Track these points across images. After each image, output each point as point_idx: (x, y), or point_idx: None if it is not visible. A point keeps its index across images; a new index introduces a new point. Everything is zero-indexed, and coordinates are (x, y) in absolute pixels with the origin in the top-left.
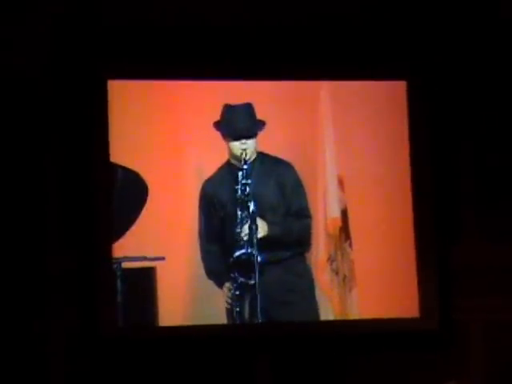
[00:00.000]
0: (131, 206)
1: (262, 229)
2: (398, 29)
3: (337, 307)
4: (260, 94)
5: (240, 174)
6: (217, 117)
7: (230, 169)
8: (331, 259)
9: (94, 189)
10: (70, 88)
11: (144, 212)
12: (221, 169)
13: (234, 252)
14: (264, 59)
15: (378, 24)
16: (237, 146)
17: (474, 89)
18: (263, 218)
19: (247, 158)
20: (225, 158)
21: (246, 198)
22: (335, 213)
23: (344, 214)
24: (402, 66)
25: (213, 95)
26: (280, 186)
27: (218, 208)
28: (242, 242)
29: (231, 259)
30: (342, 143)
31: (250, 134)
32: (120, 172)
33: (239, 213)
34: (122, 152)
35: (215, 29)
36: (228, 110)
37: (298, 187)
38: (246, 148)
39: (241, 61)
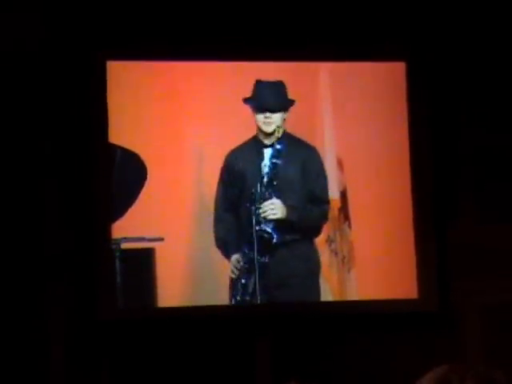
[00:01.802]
0: (130, 186)
1: (280, 211)
2: (398, 10)
3: (335, 288)
4: (260, 75)
5: (271, 151)
6: (208, 97)
7: (256, 144)
8: (330, 240)
9: (92, 169)
10: (68, 68)
11: (143, 193)
12: (247, 143)
13: (250, 227)
14: (263, 40)
15: (378, 5)
16: (261, 119)
17: (474, 70)
18: (282, 199)
19: (278, 135)
20: (224, 140)
21: (273, 177)
22: (334, 194)
23: (343, 195)
24: (402, 47)
25: (209, 76)
26: (304, 171)
27: (237, 179)
28: (259, 219)
29: (250, 232)
30: (341, 124)
31: (276, 109)
32: (119, 153)
33: (262, 189)
34: (121, 133)
35: (212, 11)
36: (258, 85)
37: (321, 173)
38: (271, 122)
39: (239, 41)
